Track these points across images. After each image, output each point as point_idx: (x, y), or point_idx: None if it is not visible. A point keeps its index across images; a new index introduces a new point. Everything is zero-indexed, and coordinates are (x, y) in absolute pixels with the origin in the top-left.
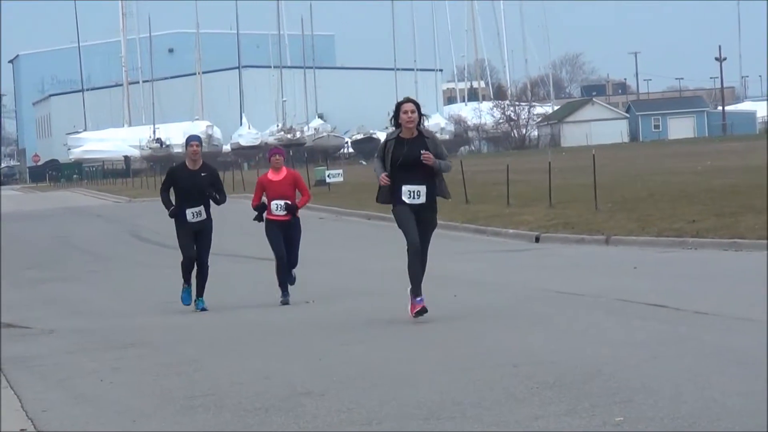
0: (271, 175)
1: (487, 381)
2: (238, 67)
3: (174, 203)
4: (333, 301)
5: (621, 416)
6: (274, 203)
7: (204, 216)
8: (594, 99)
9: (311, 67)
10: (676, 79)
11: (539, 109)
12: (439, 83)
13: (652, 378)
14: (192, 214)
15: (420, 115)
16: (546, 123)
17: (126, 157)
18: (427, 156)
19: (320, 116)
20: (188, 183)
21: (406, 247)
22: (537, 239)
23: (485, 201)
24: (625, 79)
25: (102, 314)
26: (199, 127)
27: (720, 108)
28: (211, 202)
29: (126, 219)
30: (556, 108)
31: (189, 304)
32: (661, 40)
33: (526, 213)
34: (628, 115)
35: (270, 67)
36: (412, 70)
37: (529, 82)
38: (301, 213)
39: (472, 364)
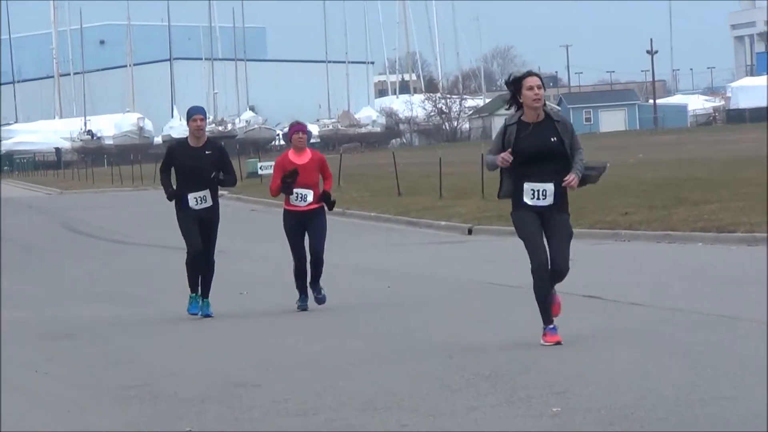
0: (294, 157)
1: (423, 372)
2: (170, 59)
3: (174, 187)
4: (267, 292)
5: (557, 407)
6: (295, 192)
7: (210, 202)
8: None
9: (242, 60)
10: (608, 72)
11: (471, 102)
12: (370, 76)
13: (588, 369)
14: (196, 199)
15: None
16: (477, 116)
17: (57, 149)
18: (570, 182)
19: (251, 108)
20: (190, 163)
21: (531, 268)
22: (470, 231)
23: (418, 193)
24: (557, 72)
25: (35, 305)
26: (130, 120)
27: (651, 101)
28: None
29: (57, 211)
30: (487, 101)
31: (197, 313)
32: (593, 33)
33: (458, 205)
34: (559, 107)
35: (201, 59)
36: (344, 62)
37: (461, 75)
38: (233, 205)
39: (407, 356)
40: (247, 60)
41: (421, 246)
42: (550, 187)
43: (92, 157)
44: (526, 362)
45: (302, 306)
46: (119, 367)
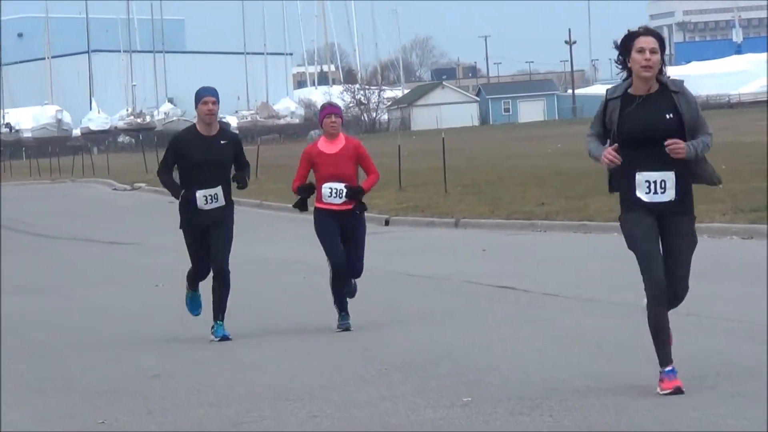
0: (324, 146)
1: (336, 363)
2: (88, 52)
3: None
4: (181, 285)
5: (468, 397)
6: (327, 187)
7: (222, 201)
8: (444, 82)
9: (161, 52)
10: (527, 62)
11: (389, 93)
12: (289, 67)
13: (500, 359)
14: (206, 198)
15: (663, 56)
16: (396, 107)
17: None
18: (674, 148)
19: (170, 100)
20: (201, 155)
21: (643, 287)
22: (387, 222)
23: None
24: (476, 62)
25: None
26: (48, 112)
27: (570, 91)
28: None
29: None
30: (406, 92)
31: (199, 313)
32: (511, 24)
33: (375, 196)
34: (478, 98)
35: (120, 51)
36: (262, 54)
37: (379, 66)
38: (151, 198)
39: (320, 348)
40: (166, 52)
41: None
42: (669, 176)
43: (10, 150)
44: (439, 352)
45: (344, 325)
46: (34, 359)
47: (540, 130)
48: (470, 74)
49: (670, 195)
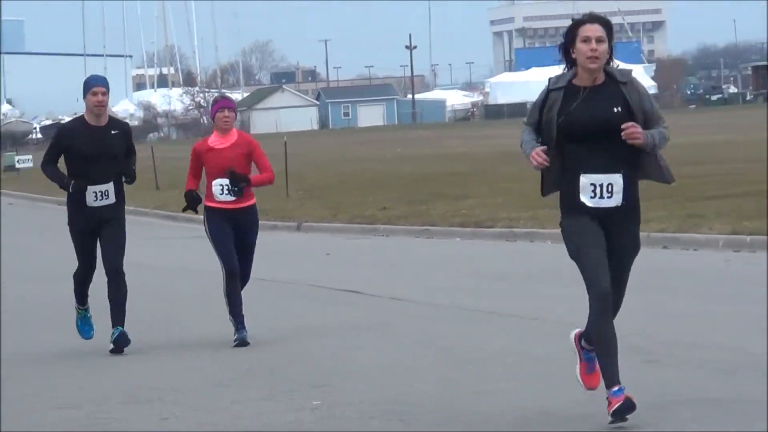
0: (215, 141)
1: (186, 366)
2: None
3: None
4: (27, 287)
5: (318, 400)
6: (218, 184)
7: (113, 199)
8: (284, 86)
9: None
10: (366, 66)
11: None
12: (128, 69)
13: (349, 363)
14: (95, 194)
15: (612, 45)
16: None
17: None
18: (632, 132)
19: (9, 102)
20: (91, 147)
21: (588, 295)
22: None
23: (176, 187)
24: (315, 66)
25: None
26: None
27: (410, 96)
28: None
29: None
30: (245, 95)
31: (91, 337)
32: (352, 28)
33: None
34: (318, 102)
35: None
36: (102, 55)
37: (219, 69)
38: None
39: (171, 349)
40: (5, 53)
41: (179, 240)
42: (617, 179)
43: None
44: (288, 357)
45: (241, 339)
46: None
47: (380, 134)
48: (310, 78)
49: (617, 200)
